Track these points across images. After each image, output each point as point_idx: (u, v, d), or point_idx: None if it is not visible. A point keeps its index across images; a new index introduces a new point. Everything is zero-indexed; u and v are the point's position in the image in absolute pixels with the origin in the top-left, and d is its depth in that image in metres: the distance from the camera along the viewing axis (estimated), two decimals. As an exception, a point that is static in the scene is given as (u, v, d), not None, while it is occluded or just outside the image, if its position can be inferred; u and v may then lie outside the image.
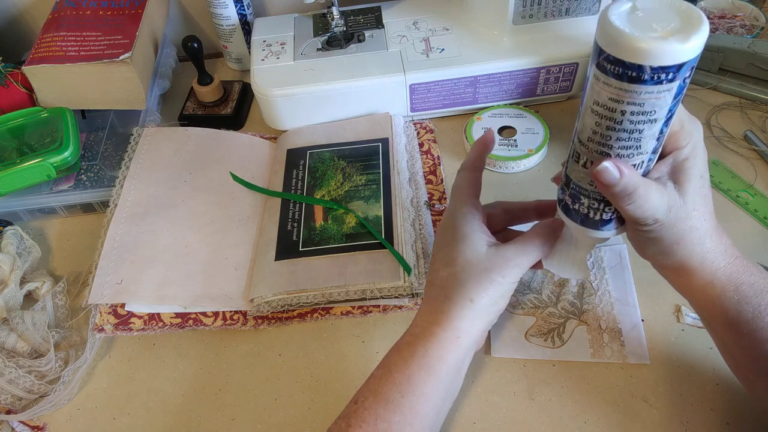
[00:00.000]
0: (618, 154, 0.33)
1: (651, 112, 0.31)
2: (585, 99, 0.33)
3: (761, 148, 0.62)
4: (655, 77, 0.29)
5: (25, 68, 0.63)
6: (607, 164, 0.33)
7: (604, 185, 0.33)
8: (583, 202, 0.37)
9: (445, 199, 0.62)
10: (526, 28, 0.65)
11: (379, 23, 0.71)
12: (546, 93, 0.68)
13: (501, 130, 0.66)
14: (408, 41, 0.68)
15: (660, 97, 0.30)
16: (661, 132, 0.33)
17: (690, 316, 0.50)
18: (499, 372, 0.48)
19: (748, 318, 0.37)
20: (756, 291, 0.37)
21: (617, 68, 0.30)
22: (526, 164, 0.63)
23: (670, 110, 0.32)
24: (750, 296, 0.37)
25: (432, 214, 0.60)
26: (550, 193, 0.49)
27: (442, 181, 0.63)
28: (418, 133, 0.69)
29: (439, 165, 0.65)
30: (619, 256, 0.54)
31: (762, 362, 0.37)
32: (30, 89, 0.66)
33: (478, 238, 0.41)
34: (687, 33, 0.29)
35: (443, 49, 0.67)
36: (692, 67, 0.30)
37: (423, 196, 0.61)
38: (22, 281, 0.56)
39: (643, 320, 0.50)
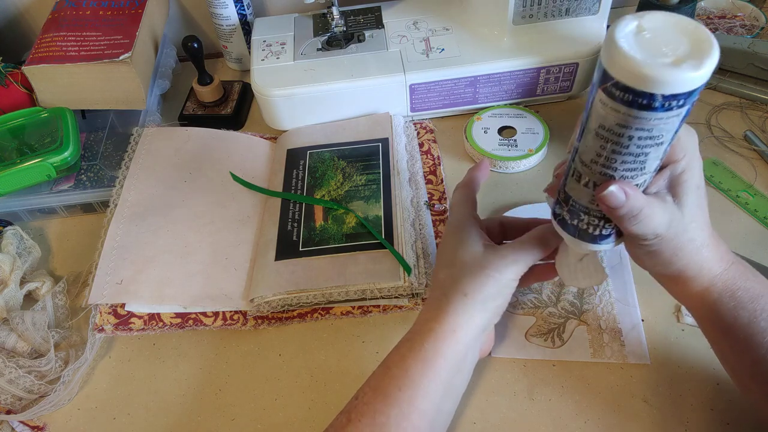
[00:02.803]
0: (622, 176, 0.33)
1: (659, 136, 0.31)
2: (588, 121, 0.32)
3: (761, 148, 0.62)
4: (666, 104, 0.28)
5: (25, 68, 0.63)
6: (613, 188, 0.33)
7: (609, 208, 0.34)
8: (583, 218, 0.37)
9: (445, 199, 0.62)
10: (526, 28, 0.65)
11: (379, 23, 0.71)
12: (546, 93, 0.68)
13: (501, 130, 0.66)
14: (408, 41, 0.68)
15: (669, 122, 0.30)
16: (665, 152, 0.32)
17: (690, 316, 0.50)
18: (499, 372, 0.48)
19: (744, 323, 0.37)
20: (752, 296, 0.37)
21: (627, 95, 0.29)
22: (526, 164, 0.63)
23: (676, 131, 0.31)
24: (745, 301, 0.37)
25: (432, 214, 0.60)
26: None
27: (442, 181, 0.63)
28: (418, 133, 0.69)
29: (439, 165, 0.65)
30: (620, 256, 0.54)
31: (758, 367, 0.37)
32: (30, 89, 0.66)
33: (475, 241, 0.42)
34: (700, 59, 0.27)
35: (443, 49, 0.67)
36: (701, 90, 0.29)
37: (423, 196, 0.61)
38: (22, 281, 0.56)
39: (643, 320, 0.50)
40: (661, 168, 0.36)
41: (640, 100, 0.28)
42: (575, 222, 0.37)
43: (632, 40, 0.29)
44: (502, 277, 0.40)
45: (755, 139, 0.62)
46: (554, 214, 0.39)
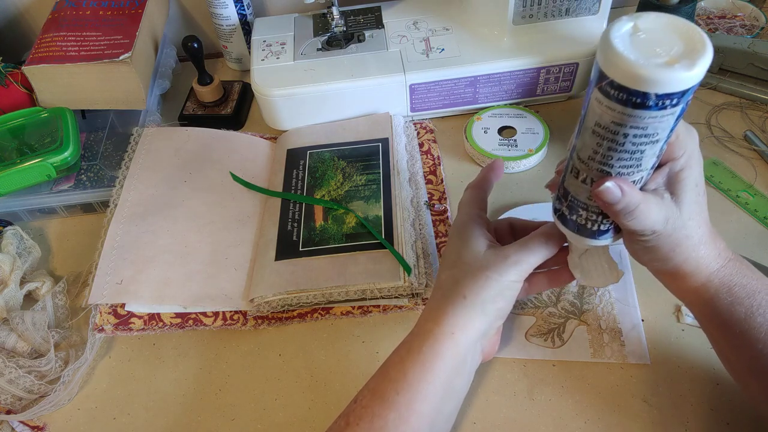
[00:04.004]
0: (619, 173, 0.33)
1: (654, 134, 0.31)
2: (585, 119, 0.33)
3: (761, 148, 0.62)
4: (660, 103, 0.29)
5: (25, 68, 0.63)
6: (609, 184, 0.33)
7: (605, 204, 0.34)
8: (581, 214, 0.37)
9: (445, 199, 0.62)
10: (526, 28, 0.65)
11: (379, 23, 0.71)
12: (546, 93, 0.68)
13: (501, 130, 0.66)
14: (408, 41, 0.68)
15: (663, 121, 0.30)
16: (662, 149, 0.33)
17: (690, 316, 0.50)
18: (499, 372, 0.48)
19: (741, 318, 0.37)
20: (748, 292, 0.38)
21: (621, 94, 0.29)
22: (526, 164, 0.63)
23: (671, 130, 0.31)
24: (742, 297, 0.38)
25: (432, 214, 0.60)
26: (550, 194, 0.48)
27: (442, 181, 0.63)
28: (418, 133, 0.69)
29: (439, 165, 0.65)
30: (620, 256, 0.54)
31: (755, 362, 0.37)
32: (30, 89, 0.66)
33: (477, 241, 0.42)
34: (692, 59, 0.28)
35: (443, 49, 0.67)
36: (695, 89, 0.29)
37: (423, 196, 0.61)
38: (22, 281, 0.56)
39: (643, 320, 0.50)
40: (660, 165, 0.36)
41: (634, 99, 0.29)
42: (574, 217, 0.38)
43: (627, 40, 0.29)
44: (503, 278, 0.40)
45: (755, 139, 0.62)
46: (555, 210, 0.40)
